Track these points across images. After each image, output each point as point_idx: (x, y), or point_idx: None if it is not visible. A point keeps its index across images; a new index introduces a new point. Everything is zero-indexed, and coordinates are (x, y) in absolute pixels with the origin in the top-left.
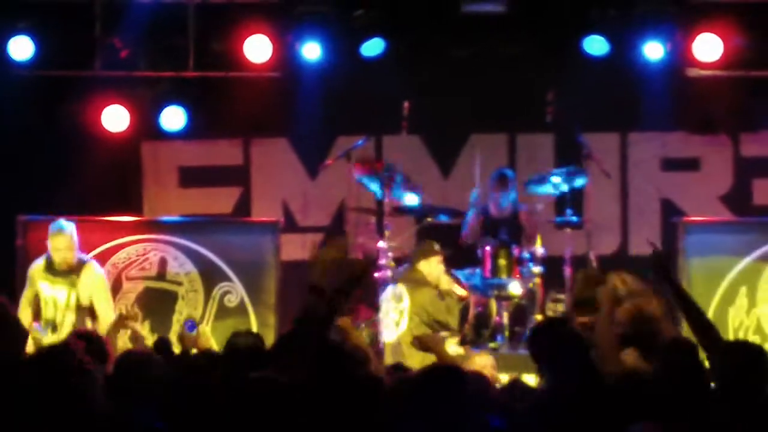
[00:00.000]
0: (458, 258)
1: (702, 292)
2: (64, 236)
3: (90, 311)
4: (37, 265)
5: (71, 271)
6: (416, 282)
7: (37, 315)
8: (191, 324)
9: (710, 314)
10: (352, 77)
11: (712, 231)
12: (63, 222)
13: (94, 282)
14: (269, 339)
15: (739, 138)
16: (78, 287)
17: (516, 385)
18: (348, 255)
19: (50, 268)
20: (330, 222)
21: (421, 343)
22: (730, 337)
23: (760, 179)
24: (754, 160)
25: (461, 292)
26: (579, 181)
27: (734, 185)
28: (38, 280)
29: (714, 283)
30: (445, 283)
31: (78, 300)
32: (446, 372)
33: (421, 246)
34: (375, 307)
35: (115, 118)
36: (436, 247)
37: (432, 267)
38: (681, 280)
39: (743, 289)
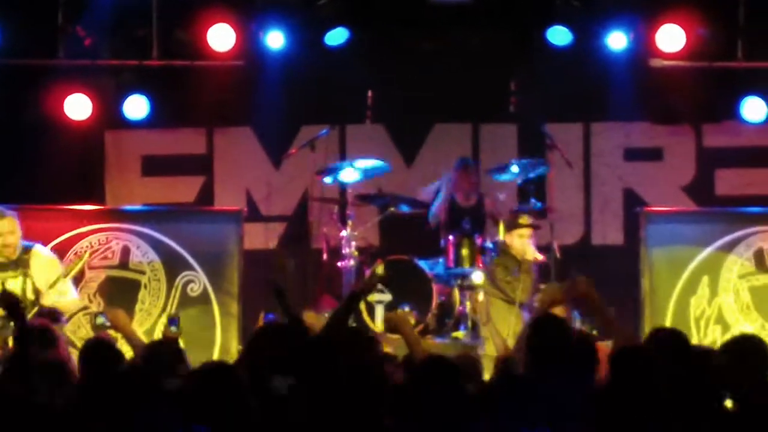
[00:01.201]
0: (421, 247)
1: (664, 282)
2: (4, 220)
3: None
4: None
5: (18, 262)
6: (501, 252)
7: None
8: (173, 321)
9: (672, 304)
10: (316, 66)
11: (674, 221)
12: (1, 207)
13: (46, 265)
14: (232, 328)
15: (701, 128)
16: (32, 275)
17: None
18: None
19: None
20: (293, 211)
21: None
22: (692, 325)
23: (722, 169)
24: (716, 151)
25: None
26: (542, 171)
27: (697, 175)
28: None
29: (676, 273)
30: (530, 254)
31: (35, 287)
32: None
33: (507, 218)
34: (339, 297)
35: (78, 107)
36: (521, 219)
37: (515, 239)
38: (643, 269)
39: (705, 279)
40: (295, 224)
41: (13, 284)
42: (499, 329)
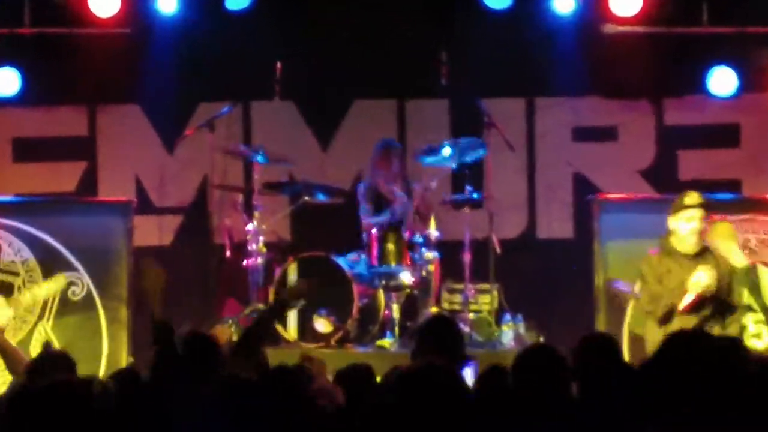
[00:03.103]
0: (339, 242)
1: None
2: None
3: None
4: None
5: None
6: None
7: None
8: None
9: (629, 305)
10: (215, 34)
11: (631, 210)
12: None
13: None
14: (121, 336)
15: (662, 104)
16: None
17: None
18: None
19: None
20: (191, 202)
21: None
22: None
23: (685, 150)
24: (678, 129)
25: None
26: (479, 154)
27: (656, 157)
28: None
29: (633, 269)
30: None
31: None
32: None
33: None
34: (245, 301)
35: None
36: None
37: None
38: (597, 266)
39: None
40: (192, 216)
41: None
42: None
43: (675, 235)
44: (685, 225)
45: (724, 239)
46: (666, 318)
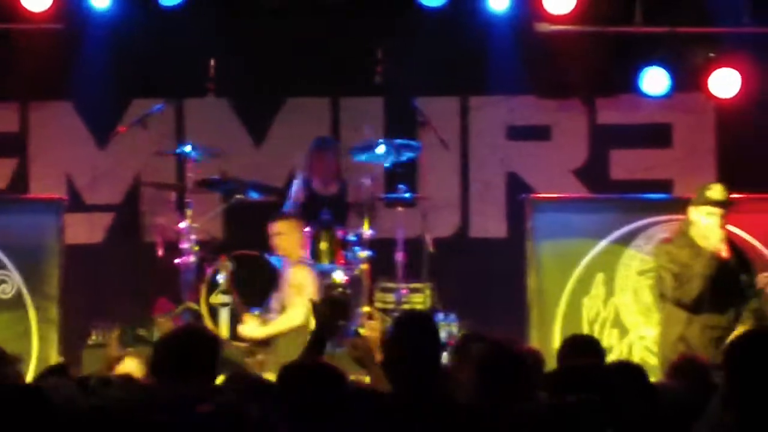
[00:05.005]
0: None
1: (553, 280)
2: None
3: None
4: None
5: None
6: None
7: None
8: None
9: (562, 305)
10: (148, 30)
11: (564, 209)
12: None
13: None
14: (51, 336)
15: (595, 103)
16: None
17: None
18: None
19: None
20: (122, 200)
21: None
22: (585, 329)
23: (618, 150)
24: (611, 128)
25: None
26: (412, 152)
27: (589, 157)
28: None
29: (567, 270)
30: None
31: None
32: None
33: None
34: (177, 300)
35: None
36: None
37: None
38: (529, 266)
39: (600, 276)
40: (124, 214)
41: None
42: None
43: (695, 226)
44: (705, 219)
45: None
46: (699, 301)
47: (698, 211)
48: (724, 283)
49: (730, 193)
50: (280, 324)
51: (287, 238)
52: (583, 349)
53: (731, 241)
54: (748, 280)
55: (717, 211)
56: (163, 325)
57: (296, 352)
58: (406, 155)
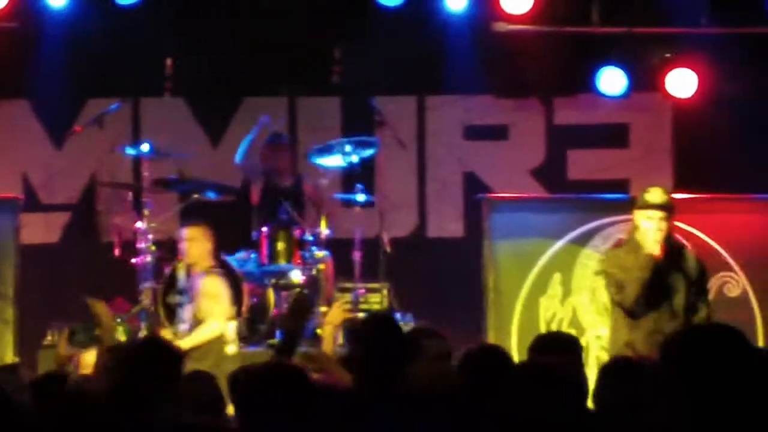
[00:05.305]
0: (229, 241)
1: (510, 280)
2: None
3: None
4: None
5: None
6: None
7: None
8: None
9: (519, 305)
10: (105, 28)
11: (521, 209)
12: None
13: None
14: (7, 337)
15: (552, 103)
16: None
17: None
18: None
19: None
20: (78, 199)
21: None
22: (542, 329)
23: (575, 150)
24: (569, 129)
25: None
26: (369, 152)
27: (547, 157)
28: None
29: (524, 270)
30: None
31: None
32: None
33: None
34: (133, 300)
35: None
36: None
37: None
38: (487, 265)
39: (557, 276)
40: (80, 214)
41: None
42: None
43: (639, 230)
44: (645, 222)
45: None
46: (637, 305)
47: (639, 215)
48: (665, 288)
49: (673, 196)
50: (201, 335)
51: (197, 244)
52: (559, 346)
53: (680, 245)
54: (698, 287)
55: (656, 214)
56: (96, 306)
57: (210, 364)
58: (364, 155)
